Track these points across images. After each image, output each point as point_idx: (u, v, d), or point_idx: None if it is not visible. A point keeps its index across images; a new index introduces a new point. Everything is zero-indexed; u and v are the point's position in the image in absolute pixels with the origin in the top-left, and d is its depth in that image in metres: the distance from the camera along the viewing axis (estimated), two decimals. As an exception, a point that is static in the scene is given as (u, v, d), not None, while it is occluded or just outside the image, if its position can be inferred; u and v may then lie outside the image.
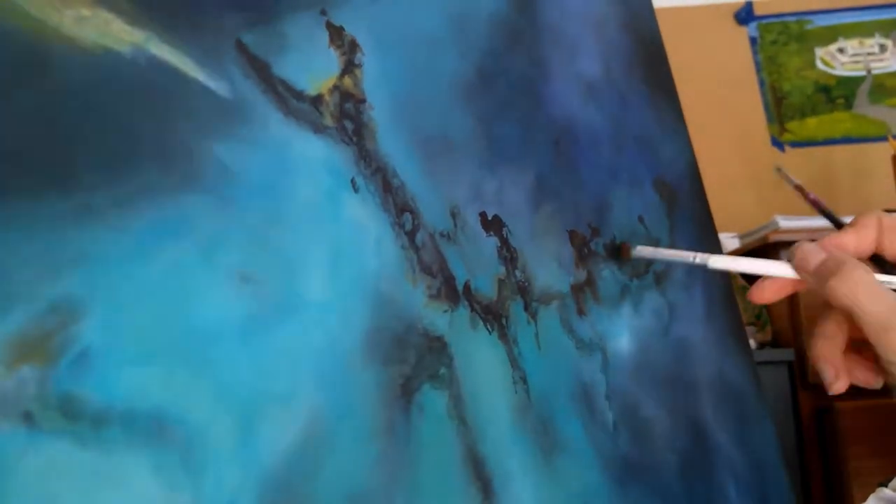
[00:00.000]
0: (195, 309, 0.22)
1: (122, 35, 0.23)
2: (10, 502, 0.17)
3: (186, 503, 0.20)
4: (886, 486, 0.48)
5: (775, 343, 1.22)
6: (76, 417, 0.19)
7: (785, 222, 1.23)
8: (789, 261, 0.34)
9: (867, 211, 0.34)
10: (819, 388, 1.15)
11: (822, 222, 1.24)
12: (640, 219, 0.47)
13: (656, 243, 0.48)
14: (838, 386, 0.35)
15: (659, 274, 0.47)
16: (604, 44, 0.49)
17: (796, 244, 0.34)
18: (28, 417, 0.18)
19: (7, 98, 0.20)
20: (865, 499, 0.44)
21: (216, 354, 0.22)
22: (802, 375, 1.13)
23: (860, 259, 0.34)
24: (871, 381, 0.35)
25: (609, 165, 0.46)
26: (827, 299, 0.32)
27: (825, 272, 0.32)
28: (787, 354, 1.14)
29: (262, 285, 0.24)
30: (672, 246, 0.49)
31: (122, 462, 0.19)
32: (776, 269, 0.34)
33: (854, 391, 0.41)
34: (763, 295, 0.35)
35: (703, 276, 0.51)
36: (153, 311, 0.21)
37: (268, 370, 0.24)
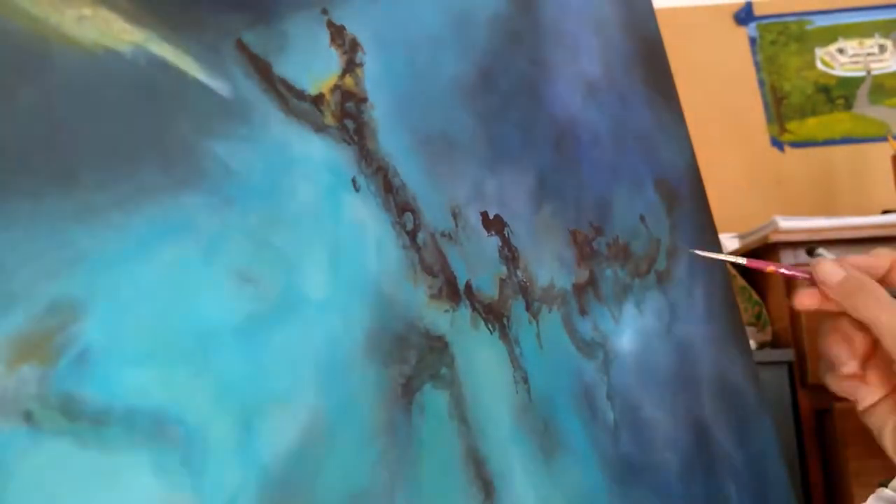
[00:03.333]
0: (195, 308, 0.22)
1: (122, 34, 0.23)
2: (10, 502, 0.17)
3: (186, 503, 0.20)
4: (886, 486, 0.48)
5: (775, 343, 1.22)
6: (76, 417, 0.19)
7: (785, 222, 1.23)
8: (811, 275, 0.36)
9: (887, 248, 0.36)
10: (819, 388, 1.15)
11: (821, 223, 1.24)
12: (642, 218, 0.47)
13: (657, 243, 0.48)
14: (854, 384, 0.37)
15: (661, 273, 0.47)
16: (604, 44, 0.49)
17: (818, 261, 0.36)
18: (28, 417, 0.18)
19: (8, 97, 0.19)
20: (865, 499, 0.44)
21: (216, 354, 0.22)
22: (802, 375, 1.13)
23: None
24: (862, 396, 0.37)
25: (610, 165, 0.46)
26: (849, 313, 0.34)
27: (848, 289, 0.34)
28: (787, 354, 1.14)
29: (263, 285, 0.24)
30: (673, 246, 0.49)
31: (122, 462, 0.19)
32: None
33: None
34: (803, 303, 0.36)
35: (704, 276, 0.51)
36: (153, 311, 0.21)
37: (268, 370, 0.23)
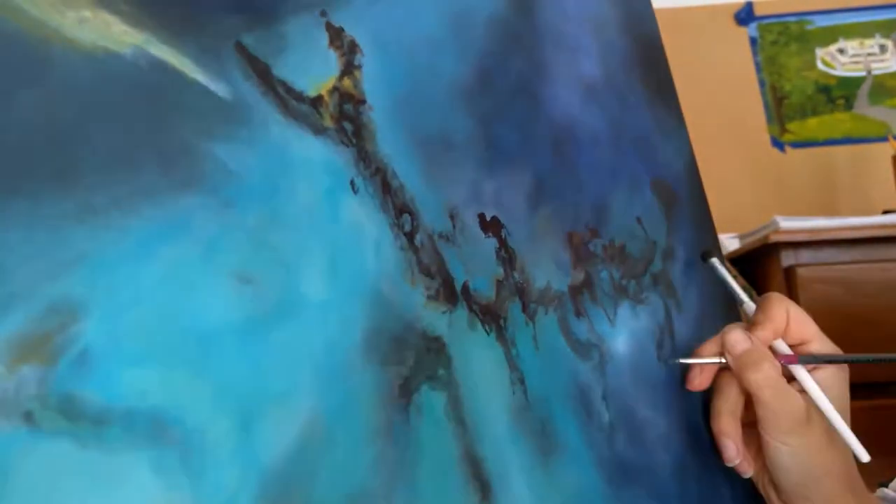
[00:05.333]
0: (195, 309, 0.22)
1: (122, 37, 0.23)
2: (10, 502, 0.17)
3: (186, 503, 0.20)
4: (886, 486, 0.48)
5: (774, 344, 1.22)
6: (76, 417, 0.19)
7: (785, 222, 1.23)
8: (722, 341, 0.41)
9: (774, 299, 0.42)
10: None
11: (821, 223, 1.24)
12: (638, 220, 0.47)
13: (654, 245, 0.48)
14: (741, 466, 0.42)
15: (656, 275, 0.47)
16: (603, 45, 0.49)
17: (727, 328, 0.41)
18: (28, 417, 0.18)
19: (8, 99, 0.20)
20: (864, 499, 0.44)
21: (216, 355, 0.22)
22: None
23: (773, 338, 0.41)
24: (747, 469, 0.42)
25: (608, 167, 0.46)
26: (741, 383, 0.39)
27: (747, 362, 0.39)
28: (786, 355, 1.14)
29: (262, 286, 0.24)
30: (669, 247, 0.49)
31: (122, 462, 0.19)
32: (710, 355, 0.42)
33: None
34: (695, 384, 0.42)
35: (701, 278, 0.52)
36: (153, 312, 0.21)
37: (267, 371, 0.24)
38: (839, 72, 1.70)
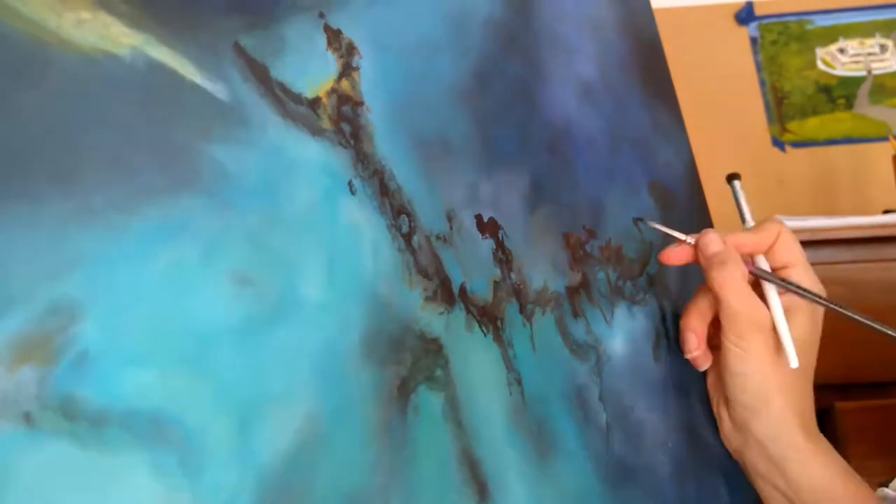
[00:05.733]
0: (194, 310, 0.22)
1: (120, 38, 0.23)
2: (10, 502, 0.18)
3: (185, 503, 0.20)
4: (887, 486, 0.48)
5: (774, 343, 1.22)
6: (76, 418, 0.19)
7: (786, 222, 1.23)
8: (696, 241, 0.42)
9: (772, 218, 0.42)
10: (819, 388, 1.15)
11: (822, 222, 1.24)
12: (635, 221, 0.47)
13: (650, 246, 0.48)
14: (699, 357, 0.43)
15: (653, 276, 0.47)
16: (601, 46, 0.49)
17: (704, 231, 0.41)
18: (28, 418, 0.18)
19: (6, 100, 0.20)
20: (864, 498, 0.44)
21: (215, 355, 0.22)
22: (801, 376, 1.13)
23: (753, 255, 0.41)
24: (704, 363, 0.43)
25: (605, 168, 0.46)
26: (708, 283, 0.40)
27: (713, 261, 0.39)
28: (785, 355, 1.14)
29: (260, 287, 0.24)
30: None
31: (121, 462, 0.20)
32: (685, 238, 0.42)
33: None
34: (670, 258, 0.42)
35: (698, 279, 0.52)
36: (153, 312, 0.21)
37: (266, 371, 0.24)
38: (839, 71, 1.69)
